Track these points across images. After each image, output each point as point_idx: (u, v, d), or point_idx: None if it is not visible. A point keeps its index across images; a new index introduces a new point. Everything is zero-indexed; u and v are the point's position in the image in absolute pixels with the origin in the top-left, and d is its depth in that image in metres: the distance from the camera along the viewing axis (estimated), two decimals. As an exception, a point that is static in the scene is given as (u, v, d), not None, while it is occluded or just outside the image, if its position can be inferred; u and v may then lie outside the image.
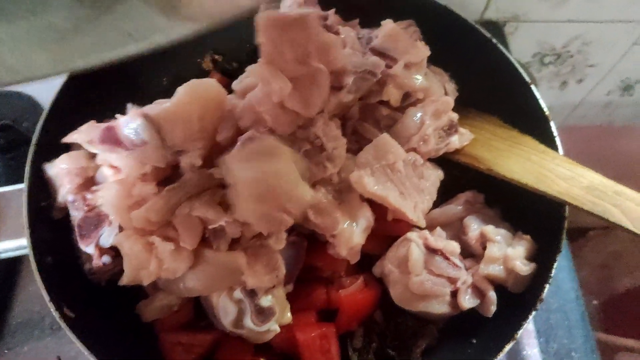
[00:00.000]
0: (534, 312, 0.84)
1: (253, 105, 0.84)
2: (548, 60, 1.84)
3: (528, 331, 1.14)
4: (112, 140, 0.81)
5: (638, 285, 2.03)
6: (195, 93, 0.82)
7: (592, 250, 2.12)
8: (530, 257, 0.91)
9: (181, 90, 0.82)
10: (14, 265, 1.11)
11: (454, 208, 0.99)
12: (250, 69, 0.89)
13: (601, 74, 1.92)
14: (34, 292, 1.09)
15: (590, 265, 2.09)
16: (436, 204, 0.99)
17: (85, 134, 0.85)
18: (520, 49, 1.75)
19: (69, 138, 0.94)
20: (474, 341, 0.91)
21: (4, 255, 0.89)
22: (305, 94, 0.81)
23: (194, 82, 0.83)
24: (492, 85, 1.08)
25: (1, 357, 1.04)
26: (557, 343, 1.18)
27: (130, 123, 0.80)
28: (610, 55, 1.82)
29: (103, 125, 0.84)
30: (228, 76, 1.15)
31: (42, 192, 0.92)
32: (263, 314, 0.84)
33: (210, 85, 0.84)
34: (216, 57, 1.22)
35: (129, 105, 0.84)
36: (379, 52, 0.96)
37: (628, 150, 2.15)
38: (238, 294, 0.85)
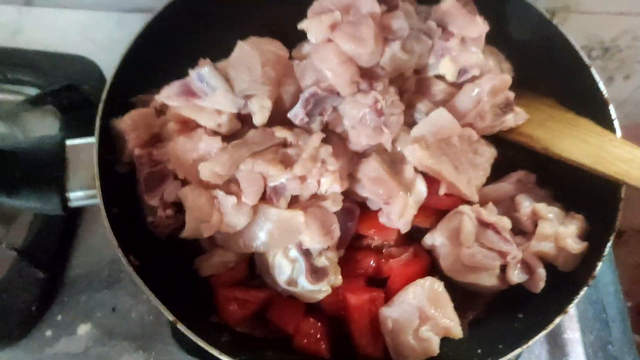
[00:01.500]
0: (585, 288, 0.84)
1: (314, 63, 0.87)
2: (595, 55, 1.80)
3: (570, 315, 1.14)
4: (187, 91, 0.86)
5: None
6: (255, 45, 0.89)
7: (628, 252, 2.09)
8: (582, 237, 0.91)
9: (242, 43, 0.89)
10: (75, 217, 1.16)
11: (506, 186, 1.00)
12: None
13: (653, 71, 1.88)
14: (93, 246, 1.14)
15: (626, 267, 2.06)
16: (488, 182, 1.00)
17: (163, 91, 0.89)
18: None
19: (138, 99, 0.99)
20: (521, 316, 0.92)
21: (75, 204, 0.93)
22: (354, 31, 0.85)
23: (253, 38, 0.90)
24: (549, 67, 1.08)
25: (61, 305, 1.09)
26: (594, 335, 1.18)
27: (199, 73, 0.86)
28: (661, 52, 1.78)
29: (177, 81, 0.88)
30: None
31: (109, 146, 0.96)
32: (317, 273, 0.87)
33: (268, 40, 0.91)
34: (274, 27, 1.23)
35: (200, 60, 0.87)
36: (437, 25, 0.97)
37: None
38: (294, 252, 0.88)
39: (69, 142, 0.96)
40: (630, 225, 2.06)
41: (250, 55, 0.88)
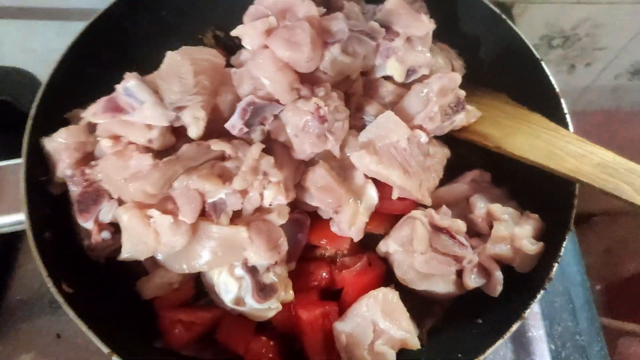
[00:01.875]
0: (542, 292, 0.82)
1: (250, 71, 0.82)
2: (556, 43, 1.80)
3: (534, 313, 1.13)
4: (114, 108, 0.81)
5: (643, 271, 2.01)
6: (188, 53, 0.83)
7: (597, 236, 2.11)
8: (538, 237, 0.89)
9: (172, 52, 0.84)
10: (12, 242, 1.10)
11: (460, 186, 0.97)
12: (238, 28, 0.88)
13: (610, 58, 1.88)
14: (33, 270, 1.08)
15: (595, 251, 2.08)
16: (442, 183, 0.97)
17: (89, 109, 0.84)
18: (528, 31, 1.70)
19: (74, 114, 0.93)
20: (480, 321, 0.89)
21: (1, 231, 0.87)
22: (290, 36, 0.82)
23: (185, 47, 0.86)
24: (501, 63, 1.06)
25: (0, 334, 1.03)
26: (561, 326, 1.17)
27: (126, 87, 0.80)
28: (620, 38, 1.79)
29: (103, 97, 0.83)
30: (230, 52, 1.12)
31: (40, 167, 0.90)
32: (265, 290, 0.83)
33: (202, 48, 0.86)
34: (218, 32, 1.19)
35: (126, 74, 0.82)
36: (381, 25, 0.93)
37: (636, 134, 2.12)
38: (239, 270, 0.83)
39: (-6, 164, 0.90)
40: (598, 209, 2.07)
41: (181, 64, 0.82)
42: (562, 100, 0.96)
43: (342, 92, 0.91)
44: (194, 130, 0.81)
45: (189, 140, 0.85)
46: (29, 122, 0.91)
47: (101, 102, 0.83)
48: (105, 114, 0.81)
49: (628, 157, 0.90)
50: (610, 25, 1.72)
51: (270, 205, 0.84)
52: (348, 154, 0.92)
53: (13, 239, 1.10)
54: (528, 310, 0.80)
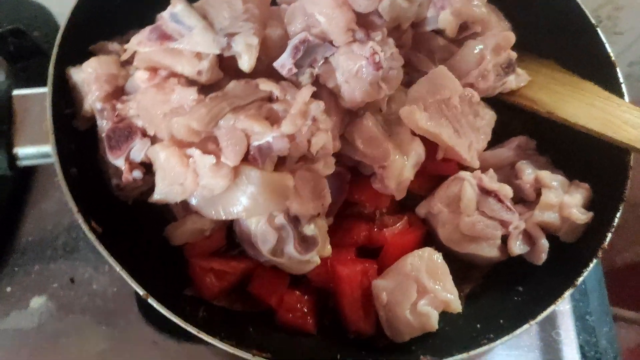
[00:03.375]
0: (595, 260, 0.79)
1: (305, 6, 0.77)
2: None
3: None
4: (161, 35, 0.75)
5: (638, 260, 2.03)
6: None
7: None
8: (587, 207, 0.86)
9: None
10: (26, 178, 1.03)
11: (506, 151, 0.94)
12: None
13: (626, 43, 1.85)
14: (47, 210, 1.02)
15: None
16: (486, 148, 0.93)
17: (133, 38, 0.78)
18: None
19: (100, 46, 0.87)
20: (521, 289, 0.87)
21: (25, 163, 0.81)
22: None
23: None
24: (552, 27, 1.01)
25: (10, 275, 0.97)
26: (571, 305, 1.16)
27: (172, 12, 0.75)
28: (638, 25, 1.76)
29: (148, 26, 0.76)
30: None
31: (65, 98, 0.84)
32: (306, 242, 0.79)
33: None
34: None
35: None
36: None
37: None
38: (280, 219, 0.79)
39: (17, 92, 0.83)
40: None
41: None
42: (618, 69, 0.93)
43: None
44: (246, 60, 0.75)
45: (233, 78, 0.79)
46: (55, 50, 0.84)
47: (146, 30, 0.77)
48: (153, 42, 0.75)
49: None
50: (633, 9, 1.68)
51: (317, 154, 0.80)
52: (394, 109, 0.88)
53: (25, 176, 1.03)
54: (581, 278, 0.78)
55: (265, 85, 0.77)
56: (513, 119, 1.00)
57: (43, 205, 1.02)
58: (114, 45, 0.90)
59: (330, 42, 0.79)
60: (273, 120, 0.76)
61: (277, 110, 0.77)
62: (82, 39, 0.89)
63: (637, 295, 1.85)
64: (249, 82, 0.76)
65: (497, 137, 0.98)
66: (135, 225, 0.85)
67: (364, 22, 0.82)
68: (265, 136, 0.75)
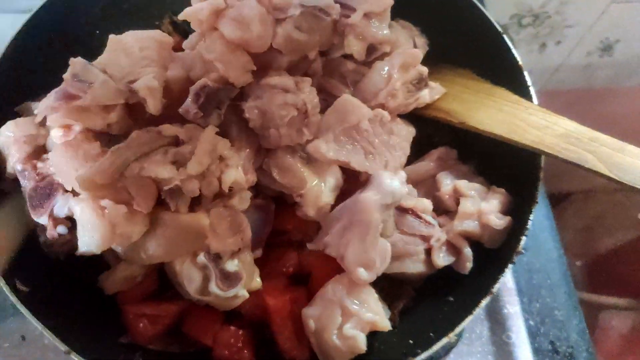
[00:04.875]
0: (510, 265, 0.81)
1: (202, 54, 0.80)
2: (526, 22, 1.80)
3: (509, 289, 1.12)
4: (66, 96, 0.78)
5: (619, 245, 2.03)
6: (131, 35, 0.83)
7: (574, 214, 2.12)
8: (506, 211, 0.88)
9: (114, 35, 0.84)
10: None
11: (426, 165, 0.96)
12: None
13: (580, 35, 1.88)
14: (-6, 271, 1.04)
15: (573, 229, 2.09)
16: (408, 162, 0.95)
17: (41, 103, 0.81)
18: (497, 11, 1.71)
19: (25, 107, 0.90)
20: (451, 299, 0.88)
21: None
22: (238, 15, 0.79)
23: (129, 31, 0.86)
24: (463, 38, 1.04)
25: (-40, 339, 0.99)
26: (539, 302, 1.17)
27: (73, 72, 0.78)
28: (589, 15, 1.79)
29: (54, 89, 0.80)
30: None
31: (-11, 162, 0.87)
32: (229, 278, 0.80)
33: (146, 31, 0.86)
34: (175, 18, 1.15)
35: (71, 60, 0.79)
36: (336, 1, 0.91)
37: (609, 112, 2.13)
38: (202, 258, 0.81)
39: (-60, 161, 0.86)
40: (576, 188, 2.09)
41: (125, 42, 0.81)
42: (525, 73, 0.95)
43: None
44: (152, 103, 0.78)
45: (141, 126, 0.82)
46: (-26, 116, 0.87)
47: (52, 93, 0.80)
48: (59, 103, 0.78)
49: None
50: (579, 1, 1.71)
51: (231, 190, 0.82)
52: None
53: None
54: (497, 285, 0.79)
55: (169, 131, 0.79)
56: (437, 130, 1.02)
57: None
58: (37, 105, 0.93)
59: (232, 85, 0.82)
60: (180, 163, 0.78)
61: (183, 152, 0.79)
62: (6, 102, 0.92)
63: (623, 280, 1.85)
64: (150, 129, 0.79)
65: (422, 150, 1.00)
66: (69, 278, 0.87)
67: (265, 58, 0.85)
68: (173, 180, 0.77)
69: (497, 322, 1.09)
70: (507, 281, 1.13)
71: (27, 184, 0.85)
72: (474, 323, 1.08)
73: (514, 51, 0.97)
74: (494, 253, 0.88)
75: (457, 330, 0.78)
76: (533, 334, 1.11)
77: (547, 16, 1.80)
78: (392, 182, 0.82)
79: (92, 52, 0.87)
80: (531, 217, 0.83)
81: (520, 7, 1.73)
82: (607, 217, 2.10)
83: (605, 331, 1.64)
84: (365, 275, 0.80)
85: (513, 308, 1.10)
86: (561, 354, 1.12)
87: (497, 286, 0.79)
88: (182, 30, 1.15)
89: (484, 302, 0.78)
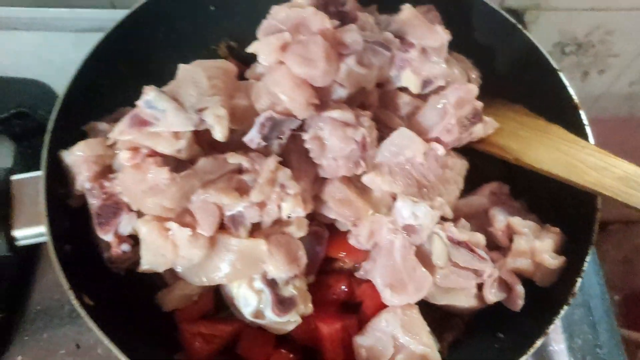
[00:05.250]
0: (565, 307, 0.81)
1: (268, 86, 0.83)
2: (569, 50, 1.80)
3: (555, 327, 1.11)
4: (139, 122, 0.81)
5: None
6: (199, 64, 0.87)
7: (614, 245, 2.09)
8: (559, 250, 0.88)
9: (183, 65, 0.87)
10: (33, 252, 1.10)
11: (478, 199, 0.97)
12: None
13: (624, 65, 1.87)
14: (53, 280, 1.08)
15: (612, 260, 2.06)
16: (460, 197, 0.96)
17: (115, 128, 0.85)
18: (541, 38, 1.70)
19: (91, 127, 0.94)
20: (502, 336, 0.88)
21: (22, 243, 0.87)
22: (304, 51, 0.82)
23: (196, 60, 0.89)
24: (517, 73, 1.05)
25: (21, 344, 1.03)
26: (581, 339, 1.15)
27: (146, 100, 0.82)
28: (633, 45, 1.77)
29: (126, 115, 0.84)
30: (244, 63, 1.13)
31: (59, 179, 0.91)
32: (284, 304, 0.83)
33: (212, 60, 0.90)
34: (231, 43, 1.20)
35: (145, 87, 0.83)
36: (396, 36, 0.93)
37: (651, 142, 2.09)
38: (259, 283, 0.83)
39: (15, 177, 0.91)
40: (615, 218, 2.06)
41: (194, 72, 0.84)
42: (581, 111, 0.95)
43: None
44: (219, 130, 0.81)
45: (208, 154, 0.85)
46: (47, 136, 0.91)
47: (126, 119, 0.83)
48: (132, 129, 0.82)
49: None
50: (624, 32, 1.71)
51: (289, 217, 0.84)
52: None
53: (33, 250, 1.11)
54: (552, 326, 0.79)
55: (234, 159, 0.82)
56: (489, 163, 1.03)
57: (50, 275, 1.09)
58: (103, 125, 0.97)
59: (294, 116, 0.84)
60: (243, 190, 0.81)
61: (246, 180, 0.82)
62: (74, 121, 0.96)
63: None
64: (217, 157, 0.82)
65: (474, 183, 1.01)
66: (128, 294, 0.90)
67: (327, 91, 0.88)
68: (235, 206, 0.81)
69: (542, 359, 1.08)
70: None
71: (94, 201, 0.88)
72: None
73: (570, 89, 0.97)
74: (545, 292, 0.87)
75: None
76: (575, 371, 1.10)
77: (591, 45, 1.79)
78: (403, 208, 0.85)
79: (154, 73, 0.92)
80: (587, 258, 0.83)
81: (564, 36, 1.73)
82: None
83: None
84: (389, 297, 0.83)
85: (559, 346, 1.09)
86: (605, 392, 1.10)
87: (551, 327, 0.79)
88: (237, 55, 1.19)
89: (539, 343, 0.79)
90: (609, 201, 0.84)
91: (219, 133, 0.82)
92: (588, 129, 0.94)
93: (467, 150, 0.99)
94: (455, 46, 1.01)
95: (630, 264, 2.02)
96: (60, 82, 1.28)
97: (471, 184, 1.00)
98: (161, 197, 0.77)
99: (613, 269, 2.03)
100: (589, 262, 1.22)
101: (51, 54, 1.40)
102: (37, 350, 1.03)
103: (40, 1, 1.44)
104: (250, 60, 0.98)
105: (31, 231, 0.87)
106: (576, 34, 1.72)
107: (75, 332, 1.05)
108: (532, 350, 0.78)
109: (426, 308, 0.88)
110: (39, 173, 0.89)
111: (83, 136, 0.93)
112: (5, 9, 1.43)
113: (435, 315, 0.90)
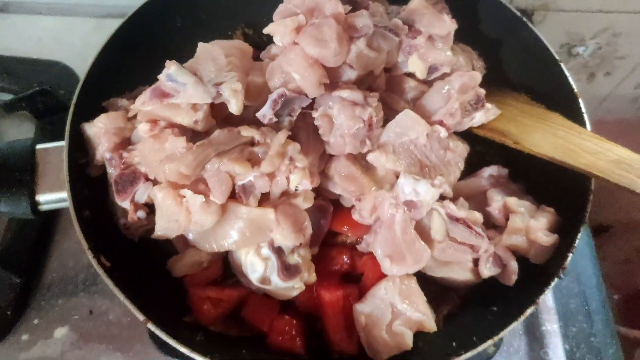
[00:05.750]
0: (556, 279, 0.85)
1: (282, 65, 0.87)
2: (576, 52, 1.82)
3: (548, 308, 1.15)
4: (160, 94, 0.87)
5: (661, 280, 2.01)
6: (217, 43, 0.92)
7: (615, 246, 2.10)
8: (553, 230, 0.91)
9: (203, 43, 0.93)
10: (50, 222, 1.16)
11: (478, 180, 1.01)
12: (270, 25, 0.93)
13: (630, 67, 1.89)
14: (69, 249, 1.14)
15: (613, 261, 2.07)
16: (461, 178, 1.00)
17: (138, 99, 0.90)
18: (548, 39, 1.73)
19: (111, 102, 0.99)
20: (495, 308, 0.92)
21: (45, 207, 0.93)
22: (318, 33, 0.86)
23: (215, 40, 0.95)
24: (521, 64, 1.09)
25: (37, 309, 1.09)
26: (576, 327, 1.19)
27: (168, 74, 0.87)
28: (640, 48, 1.80)
29: (148, 88, 0.89)
30: (259, 49, 1.18)
31: (80, 150, 0.96)
32: (289, 270, 0.87)
33: (229, 40, 0.97)
34: (247, 30, 1.25)
35: (167, 62, 0.88)
36: (404, 23, 0.98)
37: (656, 144, 2.11)
38: (266, 250, 0.88)
39: (39, 146, 0.97)
40: (617, 220, 2.07)
41: (212, 50, 0.89)
42: (580, 100, 0.99)
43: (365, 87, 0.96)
44: (234, 103, 0.85)
45: (221, 127, 0.90)
46: (71, 109, 0.97)
47: (147, 91, 0.89)
48: (154, 100, 0.87)
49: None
50: (631, 34, 1.73)
51: (296, 189, 0.89)
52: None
53: (50, 220, 1.16)
54: (542, 297, 0.83)
55: (247, 132, 0.87)
56: (489, 148, 1.07)
57: (65, 245, 1.15)
58: (122, 101, 1.03)
59: (306, 95, 0.89)
60: (254, 161, 0.86)
61: (257, 152, 0.87)
62: (95, 97, 1.02)
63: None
64: (231, 129, 0.87)
65: (474, 166, 1.05)
66: (141, 259, 0.95)
67: (337, 72, 0.93)
68: (247, 176, 0.85)
69: (535, 338, 1.12)
70: (547, 300, 1.16)
71: (113, 171, 0.94)
72: (512, 337, 1.11)
73: (570, 79, 1.01)
74: (538, 270, 0.91)
75: (501, 335, 0.82)
76: (568, 357, 1.13)
77: (598, 47, 1.82)
78: (405, 185, 0.89)
79: (171, 56, 0.97)
80: (579, 236, 0.87)
81: (571, 37, 1.75)
82: (648, 252, 2.07)
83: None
84: (389, 267, 0.87)
85: (552, 326, 1.13)
86: (597, 380, 1.13)
87: (542, 297, 0.83)
88: (252, 41, 1.24)
89: (529, 311, 0.83)
90: (602, 183, 0.87)
91: (234, 106, 0.87)
92: (586, 117, 0.98)
93: (469, 137, 1.03)
94: (462, 37, 1.06)
95: (631, 264, 2.04)
96: (80, 64, 1.35)
97: (472, 168, 1.04)
98: (178, 164, 0.82)
99: (614, 269, 2.05)
100: (588, 256, 1.28)
101: (73, 38, 1.46)
102: (52, 315, 1.09)
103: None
104: (264, 46, 1.03)
105: (54, 196, 0.92)
106: (584, 35, 1.74)
107: (88, 299, 1.11)
108: (522, 317, 0.82)
109: (423, 282, 0.92)
110: (62, 143, 0.94)
111: (103, 112, 0.99)
112: (30, -5, 1.49)
113: (431, 288, 0.94)
